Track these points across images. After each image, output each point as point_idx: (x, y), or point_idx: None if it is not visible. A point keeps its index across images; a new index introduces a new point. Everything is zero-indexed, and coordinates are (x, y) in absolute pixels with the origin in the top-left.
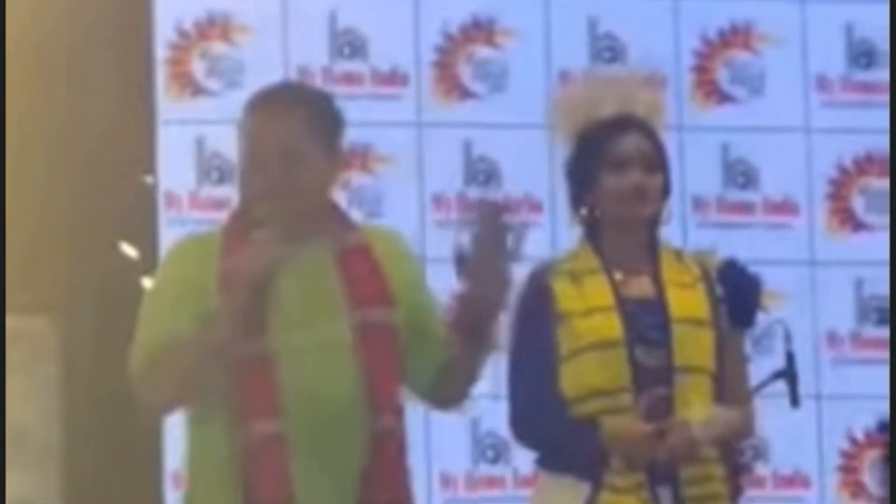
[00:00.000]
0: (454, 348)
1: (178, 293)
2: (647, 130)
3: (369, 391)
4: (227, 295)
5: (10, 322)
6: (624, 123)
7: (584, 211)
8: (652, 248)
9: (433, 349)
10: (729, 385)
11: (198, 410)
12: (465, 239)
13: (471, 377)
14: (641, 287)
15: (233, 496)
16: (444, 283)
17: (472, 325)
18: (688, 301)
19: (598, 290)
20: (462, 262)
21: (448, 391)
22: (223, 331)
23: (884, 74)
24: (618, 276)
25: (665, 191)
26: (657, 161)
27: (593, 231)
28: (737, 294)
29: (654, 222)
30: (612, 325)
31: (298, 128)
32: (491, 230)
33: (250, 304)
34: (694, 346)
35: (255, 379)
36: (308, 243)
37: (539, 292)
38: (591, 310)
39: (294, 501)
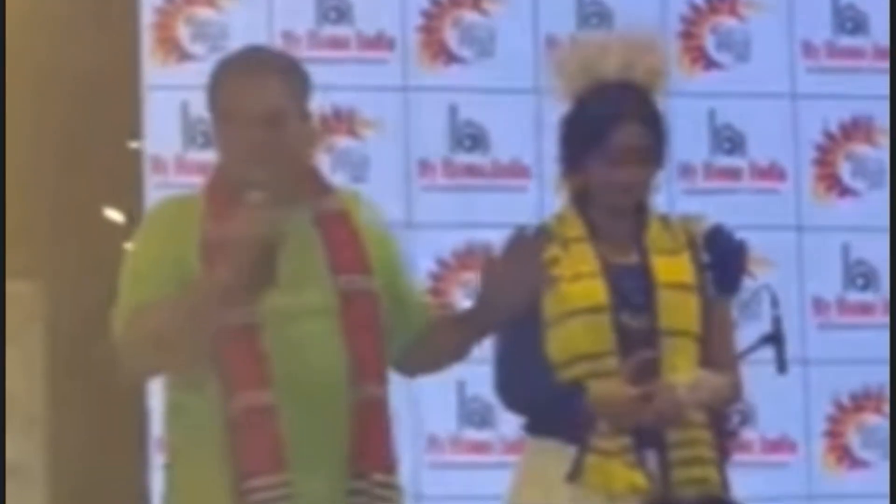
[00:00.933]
0: (435, 318)
1: (158, 257)
2: (645, 110)
3: (355, 359)
4: (223, 259)
5: None
6: (623, 103)
7: (575, 179)
8: (639, 214)
9: (411, 316)
10: (715, 350)
11: (182, 378)
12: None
13: (458, 357)
14: (627, 253)
15: (221, 466)
16: (427, 248)
17: (485, 324)
18: (673, 267)
19: (585, 257)
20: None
21: (425, 362)
22: (212, 295)
23: (869, 40)
24: (603, 243)
25: (658, 170)
26: (652, 149)
27: (581, 196)
28: (722, 261)
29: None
30: (598, 291)
31: (279, 89)
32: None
33: (249, 264)
34: (679, 310)
35: (242, 348)
36: (290, 207)
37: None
38: (577, 276)
39: (286, 470)
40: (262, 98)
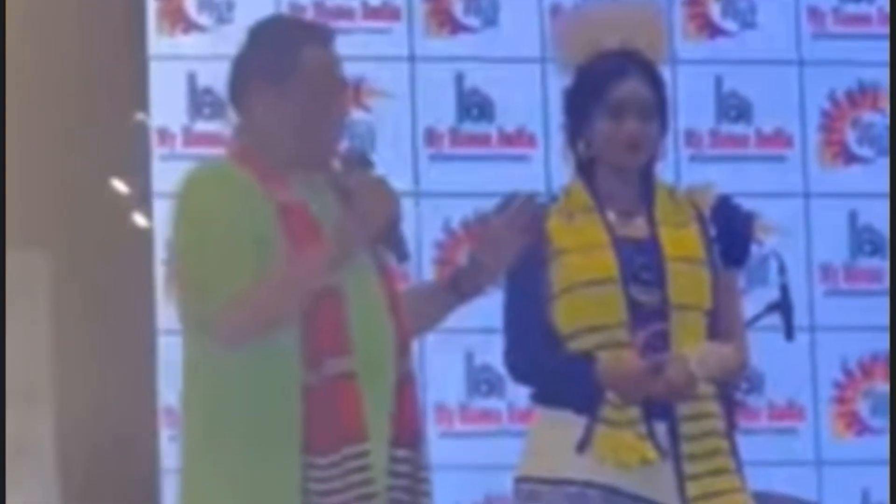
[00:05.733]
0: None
1: (239, 227)
2: (646, 70)
3: (397, 331)
4: (293, 220)
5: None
6: (624, 63)
7: (580, 145)
8: (646, 186)
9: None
10: (724, 322)
11: (257, 342)
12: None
13: (435, 323)
14: (635, 227)
15: (288, 433)
16: (435, 217)
17: (469, 285)
18: (682, 240)
19: (592, 228)
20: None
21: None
22: (336, 264)
23: (874, 6)
24: (611, 215)
25: (662, 132)
26: (655, 106)
27: (587, 167)
28: (728, 235)
29: (648, 163)
30: (606, 263)
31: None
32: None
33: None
34: (689, 284)
35: (328, 314)
36: (322, 179)
37: (534, 230)
38: (585, 247)
39: (368, 440)
40: (337, 70)
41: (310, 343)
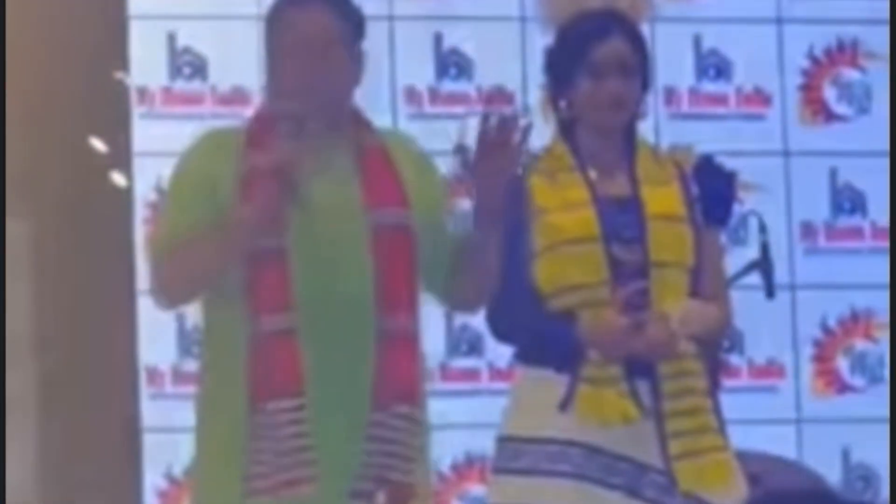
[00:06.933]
0: (466, 243)
1: (196, 186)
2: (628, 30)
3: (382, 290)
4: (255, 192)
5: None
6: (606, 23)
7: (562, 105)
8: (628, 144)
9: (446, 246)
10: (706, 280)
11: (212, 299)
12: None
13: (485, 273)
14: (617, 185)
15: (241, 386)
16: None
17: (481, 207)
18: (664, 198)
19: (574, 187)
20: (463, 153)
21: (463, 290)
22: (244, 230)
23: None
24: (592, 173)
25: (643, 91)
26: (636, 65)
27: (568, 126)
28: (711, 193)
29: (630, 122)
30: (588, 222)
31: (332, 23)
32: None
33: (276, 196)
34: (670, 241)
35: (269, 271)
36: (331, 141)
37: (515, 189)
38: (566, 205)
39: (302, 395)
40: (311, 29)
41: (251, 300)
